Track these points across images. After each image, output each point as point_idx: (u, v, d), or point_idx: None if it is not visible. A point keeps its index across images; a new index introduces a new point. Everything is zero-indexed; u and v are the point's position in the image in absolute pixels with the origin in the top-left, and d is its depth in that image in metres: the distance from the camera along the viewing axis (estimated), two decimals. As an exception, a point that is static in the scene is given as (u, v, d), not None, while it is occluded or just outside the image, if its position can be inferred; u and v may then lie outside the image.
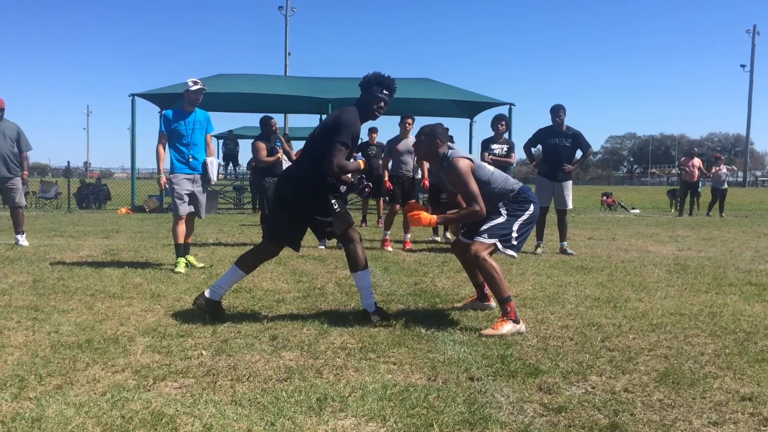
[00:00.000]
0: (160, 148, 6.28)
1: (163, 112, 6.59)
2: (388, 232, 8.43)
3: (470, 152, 5.60)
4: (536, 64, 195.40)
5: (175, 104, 9.14)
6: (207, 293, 4.15)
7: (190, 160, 6.26)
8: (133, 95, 16.91)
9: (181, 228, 6.26)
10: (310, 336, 3.77)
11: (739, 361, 3.32)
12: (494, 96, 18.73)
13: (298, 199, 4.10)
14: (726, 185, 17.48)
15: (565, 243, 8.06)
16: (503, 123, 8.58)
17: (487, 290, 4.46)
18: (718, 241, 9.77)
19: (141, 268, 6.26)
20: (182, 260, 6.21)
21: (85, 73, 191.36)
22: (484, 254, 3.96)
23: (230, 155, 25.41)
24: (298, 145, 23.90)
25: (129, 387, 2.85)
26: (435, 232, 9.66)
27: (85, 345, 3.48)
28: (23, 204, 8.48)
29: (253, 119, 30.41)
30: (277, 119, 8.69)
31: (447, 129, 4.48)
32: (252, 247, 4.48)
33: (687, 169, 16.82)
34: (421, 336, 3.78)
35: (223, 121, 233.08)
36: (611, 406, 2.69)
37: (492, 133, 8.54)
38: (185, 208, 6.25)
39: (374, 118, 4.23)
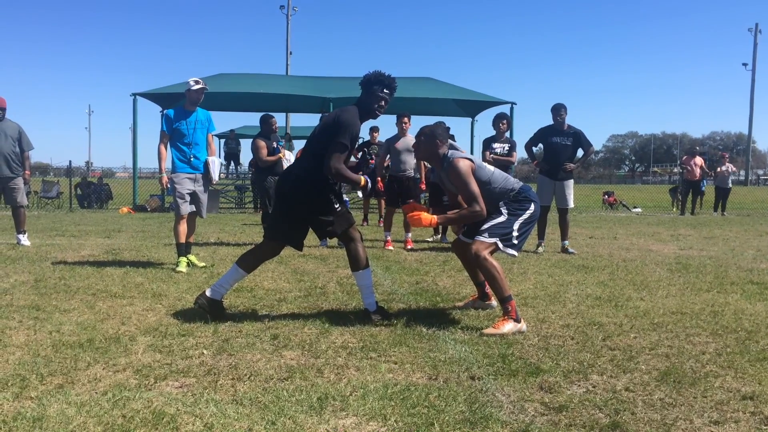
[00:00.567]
0: (162, 147, 6.29)
1: (164, 112, 6.59)
2: (389, 233, 8.42)
3: (472, 151, 5.59)
4: (537, 64, 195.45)
5: (176, 104, 9.15)
6: (208, 292, 4.15)
7: (192, 159, 6.27)
8: (134, 95, 16.95)
9: (183, 227, 6.27)
10: (312, 335, 3.77)
11: (740, 360, 3.32)
12: (495, 95, 18.76)
13: (299, 198, 4.10)
14: (730, 184, 17.47)
15: (566, 242, 8.05)
16: (504, 122, 8.58)
17: (488, 289, 4.46)
18: (720, 240, 9.76)
19: (142, 267, 6.27)
20: (183, 259, 6.22)
21: (87, 73, 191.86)
22: (485, 253, 3.96)
23: (232, 154, 25.43)
24: (299, 144, 23.92)
25: (130, 386, 2.85)
26: (436, 231, 9.64)
27: (87, 344, 3.48)
28: (25, 203, 8.49)
29: (254, 118, 30.39)
30: (279, 118, 8.70)
31: (448, 128, 4.48)
32: (253, 246, 4.48)
33: (689, 167, 16.81)
34: (422, 335, 3.78)
35: (225, 121, 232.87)
36: (612, 405, 2.69)
37: (493, 132, 8.54)
38: (187, 208, 6.25)
39: (375, 117, 4.23)
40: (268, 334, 3.75)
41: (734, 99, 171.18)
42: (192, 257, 6.43)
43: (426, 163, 8.30)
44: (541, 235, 8.06)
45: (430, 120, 4.41)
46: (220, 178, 6.79)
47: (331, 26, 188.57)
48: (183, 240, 6.26)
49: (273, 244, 4.29)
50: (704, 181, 17.66)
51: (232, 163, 25.99)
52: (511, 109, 17.06)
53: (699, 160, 16.95)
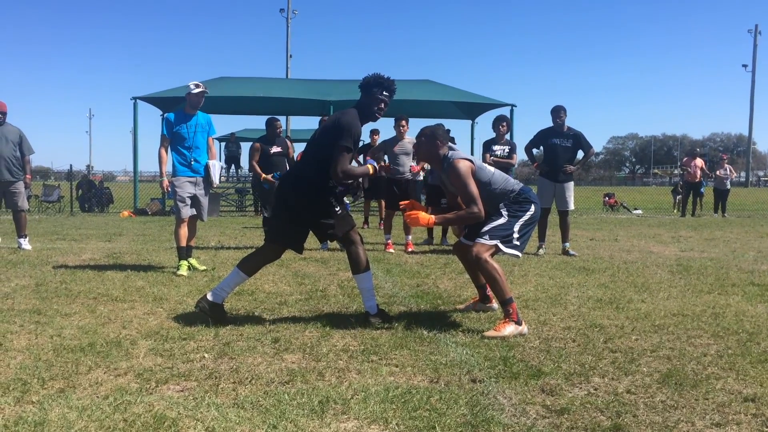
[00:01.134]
0: (162, 151, 6.30)
1: (165, 116, 6.60)
2: (390, 236, 8.42)
3: (472, 153, 5.60)
4: (537, 66, 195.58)
5: (177, 107, 9.16)
6: (209, 296, 4.15)
7: (192, 162, 6.27)
8: (135, 98, 16.94)
9: (184, 231, 6.27)
10: (312, 338, 3.77)
11: (741, 362, 3.32)
12: (495, 97, 18.75)
13: (299, 201, 4.10)
14: (729, 185, 17.47)
15: (567, 244, 8.05)
16: (504, 124, 8.58)
17: (489, 292, 4.46)
18: (721, 242, 9.76)
19: (143, 271, 6.27)
20: (184, 263, 6.22)
21: (87, 77, 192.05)
22: (486, 256, 3.96)
23: (232, 158, 25.47)
24: (299, 147, 23.91)
25: (131, 390, 2.85)
26: (430, 235, 9.55)
27: (88, 348, 3.48)
28: (26, 208, 8.49)
29: (255, 121, 30.50)
30: (280, 121, 8.70)
31: (448, 130, 4.49)
32: (254, 249, 4.48)
33: (689, 169, 16.81)
34: (423, 338, 3.78)
35: (225, 124, 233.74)
36: (614, 408, 2.69)
37: (493, 135, 8.54)
38: (187, 211, 6.26)
39: (375, 119, 4.23)
40: (269, 338, 3.74)
41: (734, 100, 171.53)
42: (193, 261, 6.44)
43: (426, 164, 8.31)
44: (541, 238, 8.06)
45: (429, 123, 4.40)
46: (220, 182, 6.80)
47: (330, 29, 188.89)
48: (184, 243, 6.26)
49: (274, 247, 4.29)
50: (704, 183, 17.66)
51: (233, 167, 26.03)
52: (511, 111, 17.05)
53: (699, 161, 16.96)
